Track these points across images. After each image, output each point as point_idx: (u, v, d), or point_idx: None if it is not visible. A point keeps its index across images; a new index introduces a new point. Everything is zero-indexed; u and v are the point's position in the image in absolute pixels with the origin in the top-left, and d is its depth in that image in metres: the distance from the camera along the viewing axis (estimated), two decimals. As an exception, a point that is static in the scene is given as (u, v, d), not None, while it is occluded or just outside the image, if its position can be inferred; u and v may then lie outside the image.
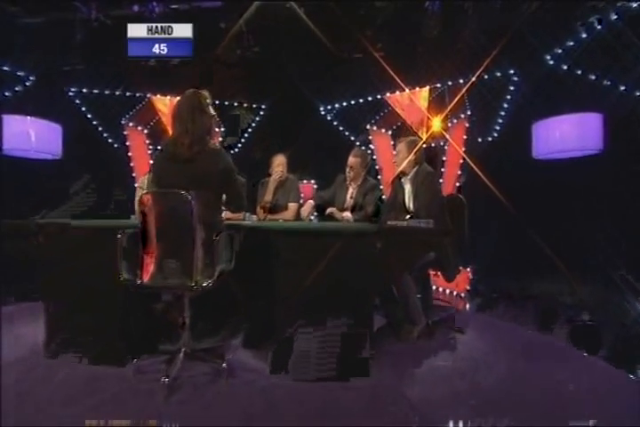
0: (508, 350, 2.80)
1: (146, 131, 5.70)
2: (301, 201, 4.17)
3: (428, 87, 5.13)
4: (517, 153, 5.01)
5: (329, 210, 3.71)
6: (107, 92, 5.42)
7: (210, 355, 2.42)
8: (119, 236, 2.22)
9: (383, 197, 4.20)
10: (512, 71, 4.75)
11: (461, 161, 5.17)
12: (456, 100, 4.99)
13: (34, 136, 5.07)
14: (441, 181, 5.09)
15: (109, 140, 5.70)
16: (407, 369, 2.51)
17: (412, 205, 3.15)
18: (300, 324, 2.33)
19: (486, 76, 4.81)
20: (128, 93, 5.48)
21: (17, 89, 5.07)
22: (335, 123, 5.83)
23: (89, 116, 5.52)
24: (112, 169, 5.69)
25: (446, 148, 5.33)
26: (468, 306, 4.74)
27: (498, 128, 5.15)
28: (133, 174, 5.60)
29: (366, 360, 2.34)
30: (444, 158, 5.33)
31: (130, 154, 5.62)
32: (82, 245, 2.48)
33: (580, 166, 4.59)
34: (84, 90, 5.41)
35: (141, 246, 2.21)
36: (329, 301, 2.35)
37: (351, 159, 3.82)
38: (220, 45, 5.60)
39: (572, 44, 4.23)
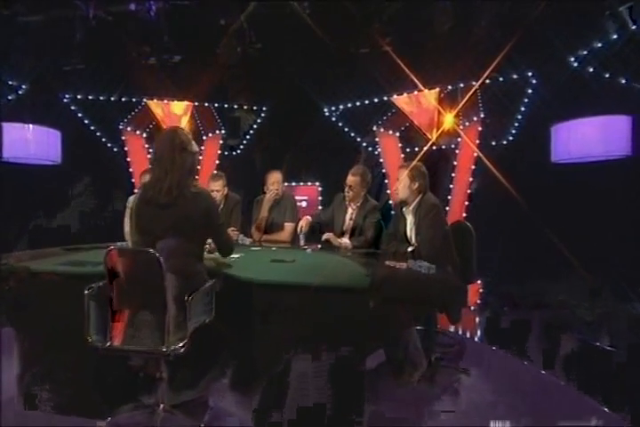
0: (515, 397, 2.59)
1: (144, 135, 5.53)
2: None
3: (437, 89, 4.79)
4: (534, 157, 4.70)
5: (325, 236, 3.47)
6: (102, 98, 5.23)
7: (191, 409, 2.30)
8: (86, 292, 2.07)
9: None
10: (530, 73, 4.39)
11: (473, 167, 4.88)
12: (468, 101, 4.67)
13: (33, 143, 4.97)
14: (448, 206, 4.88)
15: (109, 145, 5.55)
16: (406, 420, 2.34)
17: (413, 238, 2.92)
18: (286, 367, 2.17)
19: (501, 78, 4.46)
20: (124, 99, 5.28)
21: (10, 98, 4.92)
22: (340, 124, 5.55)
23: (86, 121, 5.35)
24: (112, 174, 5.55)
25: (457, 151, 5.02)
26: (477, 319, 4.58)
27: (513, 131, 4.82)
28: (132, 180, 5.46)
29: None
30: (455, 163, 5.04)
31: (129, 159, 5.46)
32: (54, 292, 2.35)
33: (605, 171, 4.28)
34: (79, 96, 5.23)
35: (109, 305, 2.06)
36: (317, 351, 2.17)
37: (350, 178, 3.56)
38: (221, 42, 5.35)
39: (599, 44, 3.85)
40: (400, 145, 5.34)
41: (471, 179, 4.89)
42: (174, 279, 2.09)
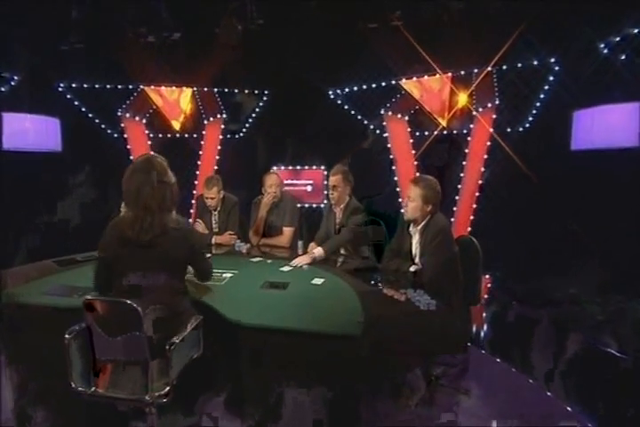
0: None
1: (144, 121, 5.36)
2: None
3: (450, 74, 4.46)
4: (552, 145, 4.42)
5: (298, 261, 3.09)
6: (98, 86, 5.03)
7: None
8: (67, 336, 2.02)
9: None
10: (553, 59, 4.03)
11: (486, 156, 4.62)
12: (483, 87, 4.35)
13: (32, 132, 4.87)
14: (452, 229, 4.60)
15: (108, 131, 5.40)
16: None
17: (417, 258, 2.77)
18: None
19: (520, 64, 4.12)
20: (120, 86, 5.07)
21: (3, 89, 4.77)
22: (346, 106, 5.27)
23: (83, 109, 5.19)
24: (113, 161, 5.44)
25: (469, 139, 4.75)
26: (484, 314, 4.50)
27: (530, 119, 4.51)
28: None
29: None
30: (466, 151, 4.78)
31: (129, 146, 5.33)
32: (42, 328, 2.32)
33: (628, 161, 4.01)
34: (74, 84, 5.04)
35: (92, 350, 2.02)
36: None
37: (331, 178, 3.37)
38: (222, 18, 5.04)
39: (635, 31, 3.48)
40: (409, 129, 5.08)
41: (483, 169, 4.65)
42: (157, 324, 2.02)
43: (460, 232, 4.88)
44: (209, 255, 3.26)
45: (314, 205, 5.76)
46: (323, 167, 5.72)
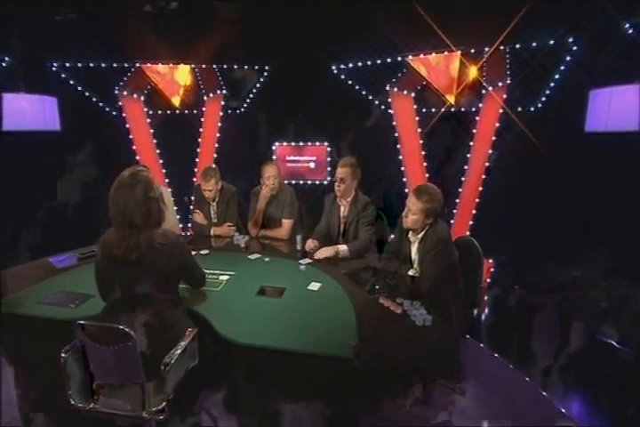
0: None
1: (142, 98, 5.19)
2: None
3: (459, 52, 4.19)
4: (565, 126, 4.22)
5: (318, 255, 3.12)
6: (92, 65, 4.84)
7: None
8: (63, 355, 2.05)
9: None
10: (571, 39, 3.75)
11: (494, 138, 4.44)
12: (495, 66, 4.10)
13: (29, 112, 4.76)
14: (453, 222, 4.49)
15: (107, 109, 5.26)
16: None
17: (416, 264, 2.71)
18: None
19: (534, 44, 3.85)
20: (116, 64, 4.87)
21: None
22: (350, 82, 5.04)
23: (80, 88, 5.03)
24: (113, 141, 5.34)
25: (477, 118, 4.55)
26: (486, 298, 4.51)
27: (543, 99, 4.28)
28: (134, 147, 5.27)
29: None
30: (474, 131, 4.59)
31: (128, 125, 5.21)
32: (40, 340, 2.36)
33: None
34: (68, 64, 4.85)
35: (88, 367, 2.05)
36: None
37: (339, 170, 3.26)
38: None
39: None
40: (415, 107, 4.87)
41: (490, 151, 4.48)
42: (150, 339, 2.04)
43: (464, 214, 4.81)
44: (206, 252, 3.29)
45: (317, 182, 5.66)
46: (326, 143, 5.56)
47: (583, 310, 4.02)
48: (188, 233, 4.10)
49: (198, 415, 2.37)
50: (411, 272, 2.73)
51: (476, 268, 2.75)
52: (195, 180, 5.51)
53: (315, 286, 2.68)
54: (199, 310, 2.38)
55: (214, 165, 3.86)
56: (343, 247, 3.16)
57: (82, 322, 1.96)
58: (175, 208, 5.45)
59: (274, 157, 5.57)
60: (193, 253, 3.19)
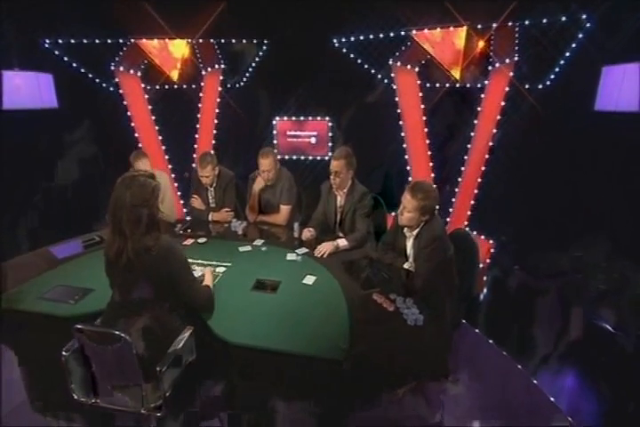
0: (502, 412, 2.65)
1: (139, 73, 5.06)
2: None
3: (465, 27, 3.99)
4: (573, 104, 4.06)
5: (319, 251, 3.06)
6: (85, 41, 4.68)
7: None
8: (64, 353, 2.11)
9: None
10: (585, 16, 3.54)
11: (499, 117, 4.31)
12: (502, 42, 3.92)
13: (24, 89, 4.67)
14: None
15: (104, 85, 5.14)
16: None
17: (411, 259, 2.70)
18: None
19: (545, 20, 3.64)
20: (110, 41, 4.71)
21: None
22: (352, 55, 4.85)
23: (75, 64, 4.90)
24: (111, 118, 5.25)
25: (482, 96, 4.39)
26: (485, 278, 4.53)
27: (552, 77, 4.10)
28: (132, 124, 5.19)
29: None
30: (479, 109, 4.45)
31: (125, 102, 5.11)
32: (41, 336, 2.43)
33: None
34: (60, 41, 4.70)
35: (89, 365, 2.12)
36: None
37: (334, 163, 3.18)
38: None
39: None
40: (419, 82, 4.70)
41: (495, 130, 4.36)
42: (147, 341, 2.10)
43: (466, 194, 4.75)
44: (204, 240, 3.30)
45: (318, 158, 5.59)
46: (327, 118, 5.43)
47: (583, 293, 4.04)
48: (187, 218, 4.12)
49: (196, 411, 2.47)
50: (406, 265, 2.73)
51: (471, 261, 2.75)
52: (195, 156, 5.47)
53: (310, 279, 2.70)
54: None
55: (211, 151, 3.82)
56: (343, 242, 3.14)
57: (79, 326, 2.00)
58: (177, 186, 5.47)
59: (274, 142, 5.47)
60: (191, 241, 3.30)
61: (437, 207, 2.59)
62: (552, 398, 2.72)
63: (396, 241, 2.81)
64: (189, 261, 2.81)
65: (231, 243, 3.29)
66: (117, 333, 1.94)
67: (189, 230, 3.49)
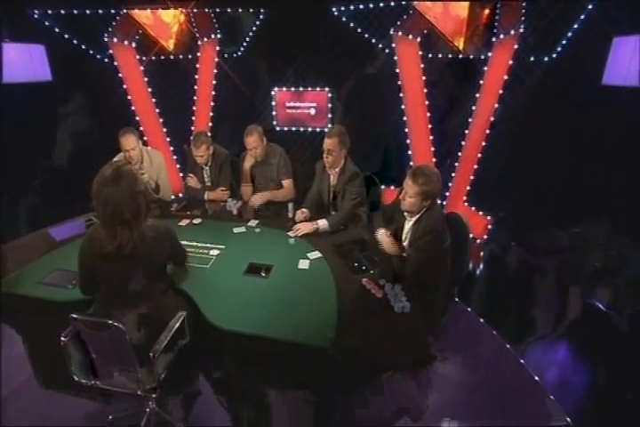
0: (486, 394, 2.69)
1: (134, 44, 4.93)
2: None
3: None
4: (580, 78, 3.93)
5: (297, 230, 3.09)
6: (76, 12, 4.53)
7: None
8: (63, 339, 2.19)
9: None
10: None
11: (501, 91, 4.19)
12: (507, 13, 3.75)
13: (16, 62, 4.58)
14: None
15: (98, 57, 5.03)
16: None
17: (406, 242, 2.70)
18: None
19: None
20: (102, 11, 4.56)
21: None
22: (352, 24, 4.68)
23: (66, 36, 4.77)
24: (106, 88, 5.17)
25: (485, 69, 4.26)
26: (481, 254, 4.56)
27: (559, 49, 3.95)
28: (129, 97, 5.11)
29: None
30: (481, 82, 4.32)
31: (121, 74, 5.01)
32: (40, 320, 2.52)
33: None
34: (50, 11, 4.55)
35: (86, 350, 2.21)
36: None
37: (327, 141, 3.14)
38: None
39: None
40: (420, 53, 4.55)
41: (497, 105, 4.25)
42: (142, 327, 2.18)
43: (466, 169, 4.70)
44: (199, 221, 3.33)
45: (317, 130, 5.51)
46: (327, 89, 5.31)
47: (580, 270, 4.05)
48: (180, 194, 4.11)
49: (193, 391, 2.58)
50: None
51: (462, 246, 2.77)
52: (193, 128, 5.42)
53: (304, 263, 2.73)
54: (189, 291, 2.47)
55: (205, 131, 3.78)
56: (323, 222, 3.12)
57: (75, 316, 2.07)
58: (176, 159, 5.45)
59: (273, 113, 5.40)
60: (187, 221, 3.33)
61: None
62: (536, 378, 2.80)
63: (395, 220, 2.79)
64: (184, 243, 2.94)
65: (226, 224, 3.31)
66: (111, 322, 2.00)
67: (188, 212, 3.51)
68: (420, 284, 2.48)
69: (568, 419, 2.50)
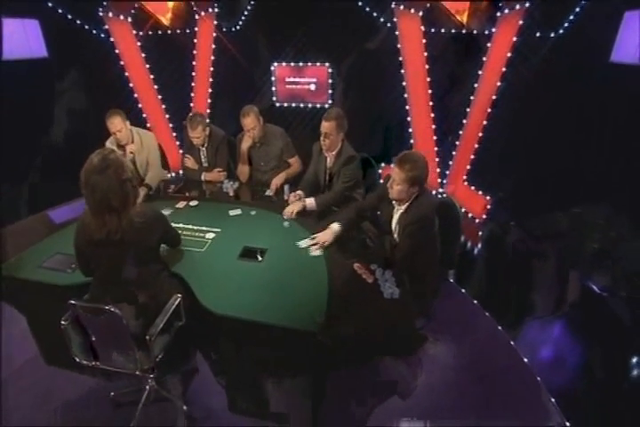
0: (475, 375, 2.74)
1: (129, 19, 4.83)
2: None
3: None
4: (587, 55, 3.81)
5: (288, 212, 3.12)
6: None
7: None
8: (63, 322, 2.26)
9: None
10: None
11: (504, 69, 4.08)
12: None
13: (10, 37, 4.51)
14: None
15: (94, 32, 4.94)
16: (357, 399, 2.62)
17: (395, 234, 2.72)
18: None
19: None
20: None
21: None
22: (353, -3, 4.54)
23: (60, 11, 4.66)
24: (102, 65, 5.09)
25: (489, 45, 4.14)
26: (480, 233, 4.58)
27: (566, 24, 3.81)
28: (126, 73, 5.05)
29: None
30: (484, 59, 4.21)
31: (117, 50, 4.93)
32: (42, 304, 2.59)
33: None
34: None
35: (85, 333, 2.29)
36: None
37: (324, 124, 3.10)
38: None
39: None
40: (423, 27, 4.42)
41: (499, 83, 4.16)
42: (138, 311, 2.25)
43: (466, 148, 4.66)
44: (195, 203, 3.36)
45: (317, 106, 5.44)
46: (327, 64, 5.21)
47: (578, 251, 4.06)
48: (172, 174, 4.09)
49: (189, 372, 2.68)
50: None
51: (455, 231, 2.79)
52: (192, 105, 5.37)
53: (298, 247, 2.76)
54: (184, 275, 2.51)
55: (201, 112, 3.74)
56: (310, 200, 3.14)
57: (73, 302, 2.13)
58: (175, 136, 5.42)
59: (272, 88, 5.31)
60: (184, 203, 3.36)
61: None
62: (525, 359, 2.86)
63: (382, 209, 2.80)
64: (180, 226, 2.99)
65: (222, 205, 3.33)
66: (107, 308, 2.06)
67: (187, 194, 3.53)
68: (409, 270, 2.52)
69: (553, 399, 2.58)
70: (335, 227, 2.82)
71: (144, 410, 2.50)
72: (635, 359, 2.98)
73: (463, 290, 3.55)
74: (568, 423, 2.44)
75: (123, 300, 2.21)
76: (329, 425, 2.49)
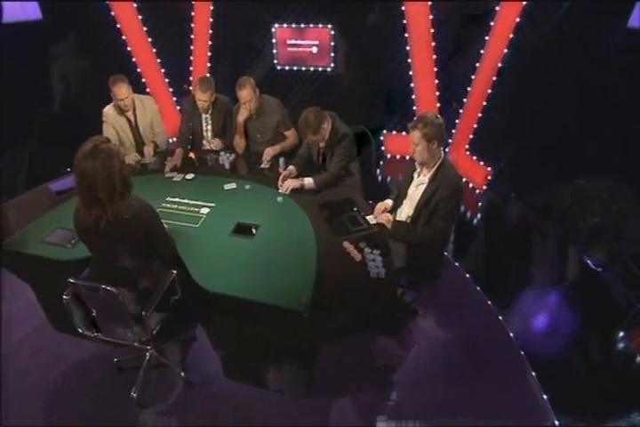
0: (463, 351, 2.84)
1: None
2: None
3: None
4: (603, 21, 3.59)
5: (285, 187, 3.11)
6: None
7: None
8: (65, 297, 2.36)
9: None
10: None
11: (512, 35, 3.91)
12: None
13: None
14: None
15: None
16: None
17: (412, 206, 2.69)
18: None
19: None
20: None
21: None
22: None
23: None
24: (99, 29, 4.96)
25: (497, 9, 3.94)
26: (479, 204, 4.57)
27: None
28: (129, 48, 4.93)
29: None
30: (492, 24, 4.03)
31: (113, 13, 4.79)
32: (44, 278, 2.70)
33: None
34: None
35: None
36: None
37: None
38: None
39: None
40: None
41: (506, 50, 3.99)
42: (134, 292, 2.35)
43: (469, 116, 4.57)
44: (192, 176, 3.36)
45: (319, 69, 5.30)
46: (329, 26, 5.03)
47: (577, 225, 4.04)
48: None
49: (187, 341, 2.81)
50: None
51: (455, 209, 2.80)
52: (192, 68, 5.27)
53: (289, 223, 2.80)
54: (179, 250, 2.54)
55: (210, 75, 3.67)
56: (309, 180, 3.13)
57: (72, 280, 2.22)
58: (175, 101, 5.35)
59: (273, 51, 5.15)
60: (180, 176, 3.37)
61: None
62: (511, 334, 2.95)
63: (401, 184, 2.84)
64: (176, 200, 3.03)
65: (218, 179, 3.33)
66: (103, 286, 2.15)
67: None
68: (425, 247, 2.58)
69: (534, 373, 2.69)
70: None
71: (145, 375, 2.68)
72: (621, 334, 3.06)
73: (457, 263, 3.61)
74: (545, 396, 2.56)
75: (118, 284, 2.27)
76: (321, 389, 2.62)
